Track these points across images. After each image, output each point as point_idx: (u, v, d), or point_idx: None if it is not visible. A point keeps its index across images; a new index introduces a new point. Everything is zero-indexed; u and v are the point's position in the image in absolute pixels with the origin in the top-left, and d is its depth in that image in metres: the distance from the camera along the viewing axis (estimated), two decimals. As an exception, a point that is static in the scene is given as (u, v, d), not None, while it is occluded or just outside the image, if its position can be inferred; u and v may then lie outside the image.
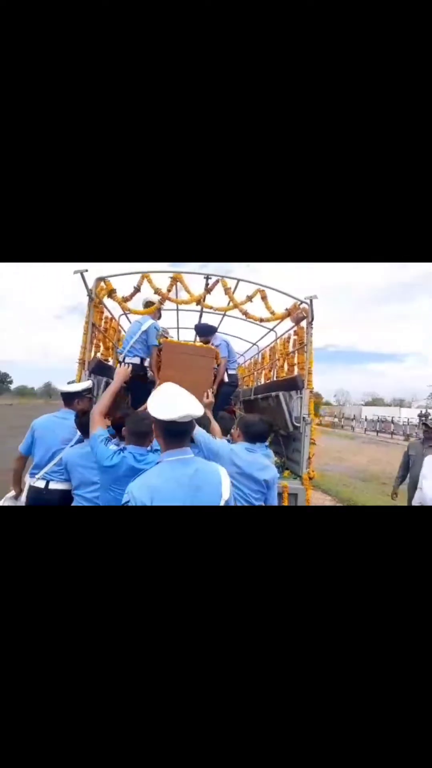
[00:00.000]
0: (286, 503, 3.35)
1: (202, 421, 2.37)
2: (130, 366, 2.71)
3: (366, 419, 31.76)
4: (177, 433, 1.40)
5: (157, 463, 1.48)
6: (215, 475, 1.41)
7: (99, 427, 1.98)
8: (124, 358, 3.46)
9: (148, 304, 3.79)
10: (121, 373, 2.35)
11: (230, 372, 4.21)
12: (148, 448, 2.02)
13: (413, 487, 3.65)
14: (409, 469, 4.08)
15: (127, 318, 4.90)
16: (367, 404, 46.51)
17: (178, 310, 5.41)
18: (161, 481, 1.32)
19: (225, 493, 1.38)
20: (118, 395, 2.29)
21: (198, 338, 4.29)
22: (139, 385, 3.49)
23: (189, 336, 5.87)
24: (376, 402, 50.09)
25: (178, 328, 6.15)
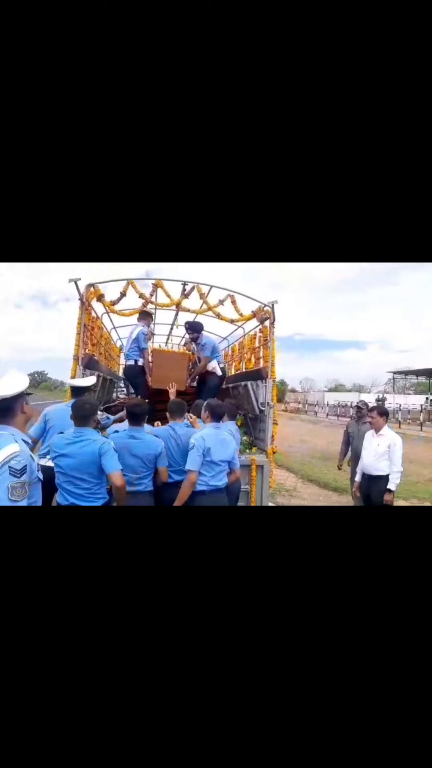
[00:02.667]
0: (254, 474, 4.05)
1: (171, 407, 3.08)
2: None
3: (328, 404, 33.58)
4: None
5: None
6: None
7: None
8: (125, 363, 4.29)
9: (142, 313, 4.43)
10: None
11: (220, 365, 4.86)
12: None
13: (356, 458, 4.49)
14: (349, 445, 4.92)
15: (110, 318, 5.38)
16: (330, 390, 48.76)
17: (155, 311, 5.94)
18: None
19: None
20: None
21: (187, 333, 4.91)
22: (138, 381, 4.29)
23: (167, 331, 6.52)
24: (338, 388, 52.59)
25: (154, 324, 6.66)
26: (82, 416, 2.39)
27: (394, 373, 36.18)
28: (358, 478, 4.20)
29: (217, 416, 2.89)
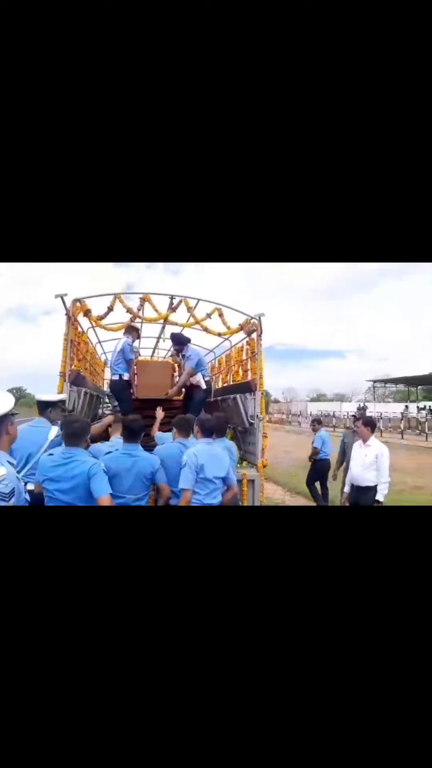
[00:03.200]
0: (245, 489, 4.03)
1: (178, 423, 2.98)
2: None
3: (311, 414, 33.98)
4: None
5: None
6: None
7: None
8: (111, 378, 4.30)
9: (129, 328, 4.42)
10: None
11: (206, 378, 4.85)
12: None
13: (347, 469, 4.55)
14: (345, 455, 4.98)
15: (95, 332, 5.32)
16: (312, 400, 49.39)
17: (141, 325, 5.92)
18: None
19: None
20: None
21: (172, 346, 4.93)
22: (123, 396, 4.28)
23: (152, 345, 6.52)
24: (320, 398, 53.36)
25: (140, 338, 6.63)
26: (70, 434, 2.28)
27: (374, 381, 37.04)
28: (346, 489, 4.23)
29: (207, 431, 2.83)
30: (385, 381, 35.35)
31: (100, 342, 5.89)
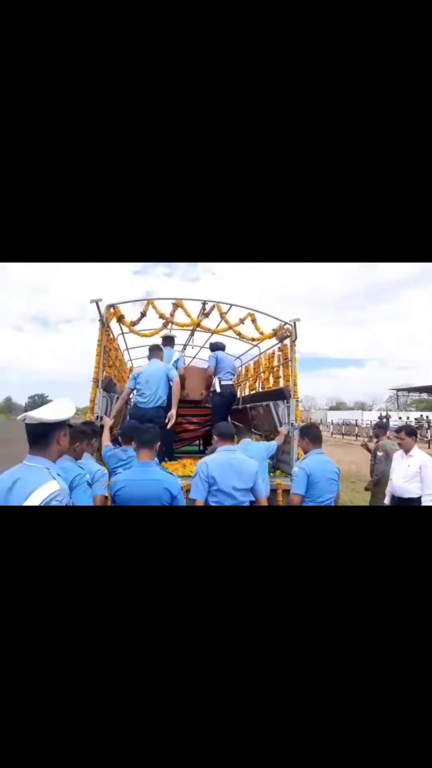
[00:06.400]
0: (280, 499, 3.87)
1: (220, 429, 2.68)
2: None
3: (332, 423, 33.36)
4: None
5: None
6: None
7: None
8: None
9: (167, 338, 4.49)
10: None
11: (223, 383, 4.73)
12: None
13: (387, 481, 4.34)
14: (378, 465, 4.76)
15: (124, 338, 5.31)
16: (331, 408, 48.63)
17: (170, 330, 5.92)
18: None
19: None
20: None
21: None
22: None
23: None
24: (340, 406, 52.45)
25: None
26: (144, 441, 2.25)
27: (397, 390, 36.11)
28: (387, 500, 4.03)
29: (226, 437, 2.52)
30: (409, 390, 34.41)
31: (128, 349, 5.90)
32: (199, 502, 2.33)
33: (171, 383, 3.84)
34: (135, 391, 3.89)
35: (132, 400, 4.14)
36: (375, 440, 5.22)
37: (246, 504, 2.38)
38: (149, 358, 4.11)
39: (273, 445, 3.84)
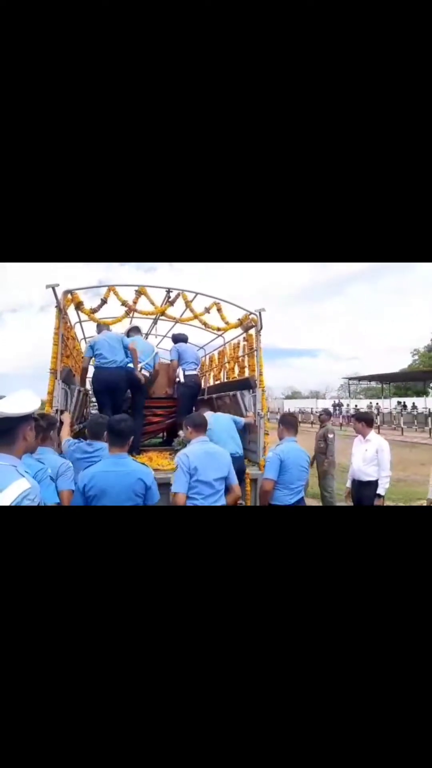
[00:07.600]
0: (248, 488, 3.91)
1: (194, 421, 2.65)
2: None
3: (289, 411, 34.43)
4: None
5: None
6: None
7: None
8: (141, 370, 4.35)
9: (133, 328, 4.41)
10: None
11: (187, 373, 4.66)
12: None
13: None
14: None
15: (81, 326, 5.03)
16: (287, 398, 50.14)
17: (131, 319, 5.69)
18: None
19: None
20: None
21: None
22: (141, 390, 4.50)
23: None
24: (295, 395, 54.23)
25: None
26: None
27: (349, 379, 38.01)
28: (348, 484, 4.22)
29: (199, 427, 2.53)
30: (360, 378, 36.37)
31: (86, 338, 5.59)
32: (181, 495, 2.31)
33: (127, 350, 4.08)
34: (94, 358, 4.01)
35: (93, 367, 4.21)
36: (320, 425, 5.69)
37: (222, 492, 2.43)
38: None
39: (240, 418, 3.93)
